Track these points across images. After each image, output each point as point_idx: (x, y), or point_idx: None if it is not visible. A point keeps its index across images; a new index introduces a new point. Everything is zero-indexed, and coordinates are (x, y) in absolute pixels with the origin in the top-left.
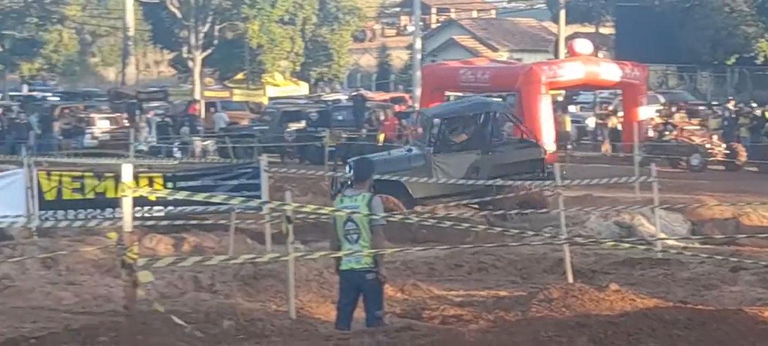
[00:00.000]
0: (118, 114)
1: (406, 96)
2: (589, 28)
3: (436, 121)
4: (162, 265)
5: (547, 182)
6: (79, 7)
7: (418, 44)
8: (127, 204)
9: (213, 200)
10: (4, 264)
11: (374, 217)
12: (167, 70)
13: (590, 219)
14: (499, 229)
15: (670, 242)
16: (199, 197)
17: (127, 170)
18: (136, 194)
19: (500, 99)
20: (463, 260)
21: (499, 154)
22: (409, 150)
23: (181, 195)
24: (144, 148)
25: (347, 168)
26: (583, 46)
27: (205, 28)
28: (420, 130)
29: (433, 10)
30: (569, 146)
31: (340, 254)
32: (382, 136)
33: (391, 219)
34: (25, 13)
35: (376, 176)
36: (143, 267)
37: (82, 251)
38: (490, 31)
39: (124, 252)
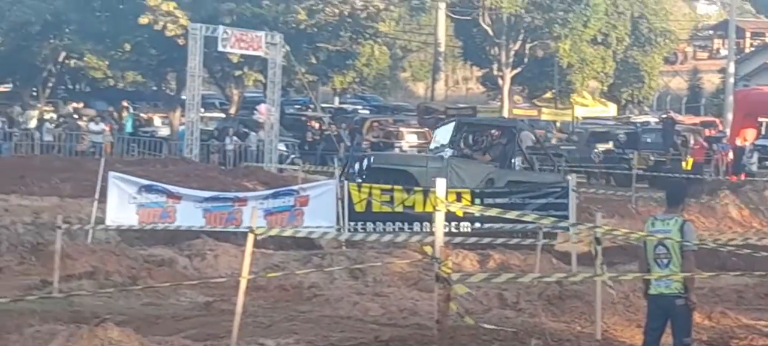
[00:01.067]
0: (426, 129)
1: (717, 120)
2: None
3: (462, 127)
4: (475, 280)
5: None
6: (392, 22)
7: (732, 68)
8: (439, 218)
9: (523, 218)
10: (313, 273)
11: (686, 242)
12: (476, 87)
13: None
14: None
15: None
16: (511, 214)
17: (440, 185)
18: (447, 209)
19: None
20: None
21: (516, 172)
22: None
23: (491, 212)
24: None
25: (358, 164)
26: None
27: (516, 46)
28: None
29: (748, 34)
30: None
31: (650, 276)
32: (690, 161)
33: (702, 245)
34: (340, 27)
35: (390, 167)
36: (457, 281)
37: (388, 263)
38: None
39: (438, 266)
